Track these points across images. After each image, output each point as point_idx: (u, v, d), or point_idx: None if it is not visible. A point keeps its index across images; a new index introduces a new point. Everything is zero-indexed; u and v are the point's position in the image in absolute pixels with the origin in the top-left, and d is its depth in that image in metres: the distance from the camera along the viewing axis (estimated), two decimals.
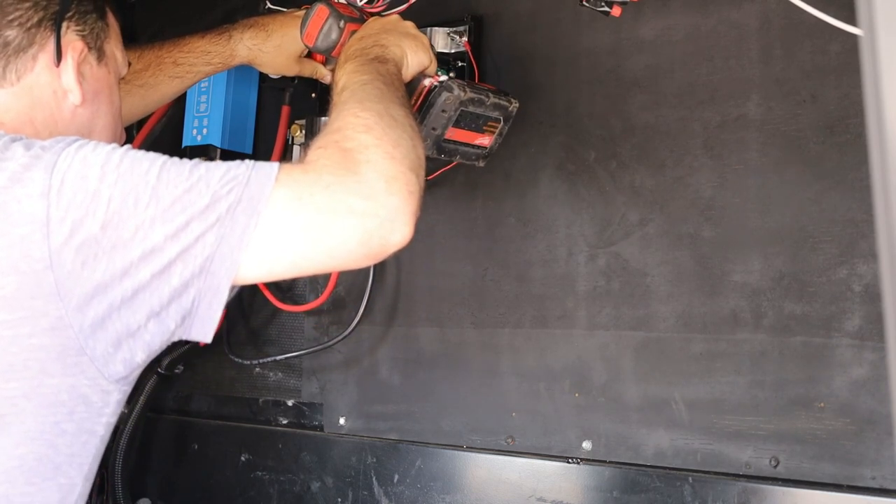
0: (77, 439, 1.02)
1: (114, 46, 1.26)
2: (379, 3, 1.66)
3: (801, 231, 1.31)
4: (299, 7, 1.70)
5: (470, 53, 1.57)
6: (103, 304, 0.97)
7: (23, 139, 1.04)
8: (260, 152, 1.86)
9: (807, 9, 1.19)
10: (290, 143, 1.77)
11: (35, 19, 1.15)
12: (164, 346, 1.04)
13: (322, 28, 1.38)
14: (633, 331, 1.43)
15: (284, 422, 1.83)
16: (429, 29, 1.61)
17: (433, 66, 1.36)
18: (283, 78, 1.75)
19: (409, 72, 1.31)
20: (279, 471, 1.80)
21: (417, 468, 1.62)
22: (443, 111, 1.32)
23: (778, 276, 1.32)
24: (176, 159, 1.01)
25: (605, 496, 1.42)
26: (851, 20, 1.09)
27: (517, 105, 1.41)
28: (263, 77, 1.80)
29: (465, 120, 1.36)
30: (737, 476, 1.32)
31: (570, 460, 1.47)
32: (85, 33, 1.20)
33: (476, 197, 1.62)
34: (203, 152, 1.83)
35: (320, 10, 1.39)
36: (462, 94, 1.33)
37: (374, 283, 1.69)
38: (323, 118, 1.70)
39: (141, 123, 1.85)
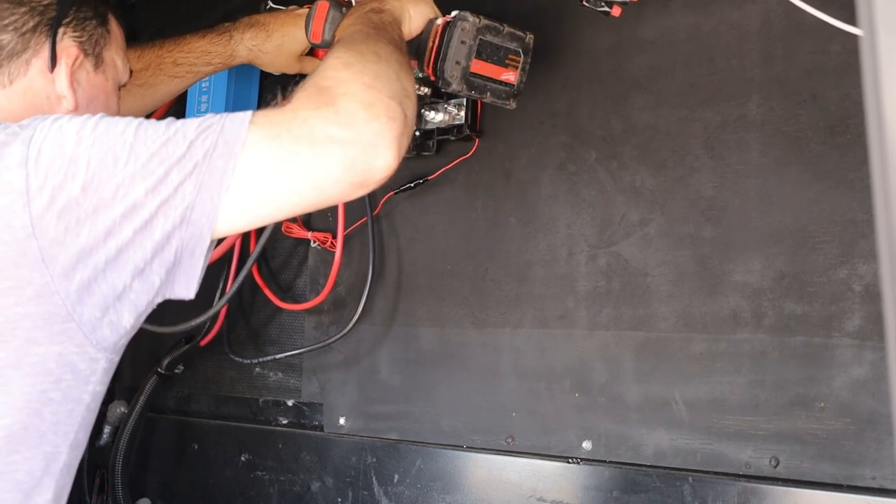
0: (63, 407, 1.03)
1: (114, 53, 1.26)
2: None
3: (801, 231, 1.31)
4: (301, 5, 1.70)
5: None
6: (88, 267, 0.97)
7: (2, 122, 1.05)
8: None
9: (807, 9, 1.19)
10: None
11: (30, 24, 1.15)
12: (150, 308, 1.04)
13: (326, 22, 1.39)
14: (633, 331, 1.43)
15: (284, 422, 1.83)
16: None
17: (438, 17, 1.38)
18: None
19: (413, 24, 1.32)
20: (279, 471, 1.80)
21: (417, 468, 1.62)
22: (462, 42, 1.34)
23: (778, 276, 1.32)
24: (152, 120, 1.02)
25: (605, 496, 1.42)
26: (851, 20, 1.09)
27: (533, 37, 1.42)
28: (266, 73, 1.80)
29: (487, 51, 1.37)
30: (737, 476, 1.32)
31: (570, 460, 1.47)
32: (83, 39, 1.20)
33: (476, 197, 1.62)
34: None
35: (320, 7, 1.40)
36: (477, 21, 1.35)
37: (375, 283, 1.69)
38: None
39: None
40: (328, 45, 1.41)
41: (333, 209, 1.74)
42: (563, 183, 1.52)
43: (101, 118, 1.01)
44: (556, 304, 1.51)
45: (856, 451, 1.24)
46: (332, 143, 0.97)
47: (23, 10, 1.15)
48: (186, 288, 1.03)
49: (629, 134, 1.47)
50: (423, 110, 1.61)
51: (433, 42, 1.35)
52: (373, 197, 1.68)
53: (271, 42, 1.61)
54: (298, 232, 1.78)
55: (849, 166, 1.28)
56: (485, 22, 1.36)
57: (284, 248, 1.86)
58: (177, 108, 1.85)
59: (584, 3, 1.43)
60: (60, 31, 1.17)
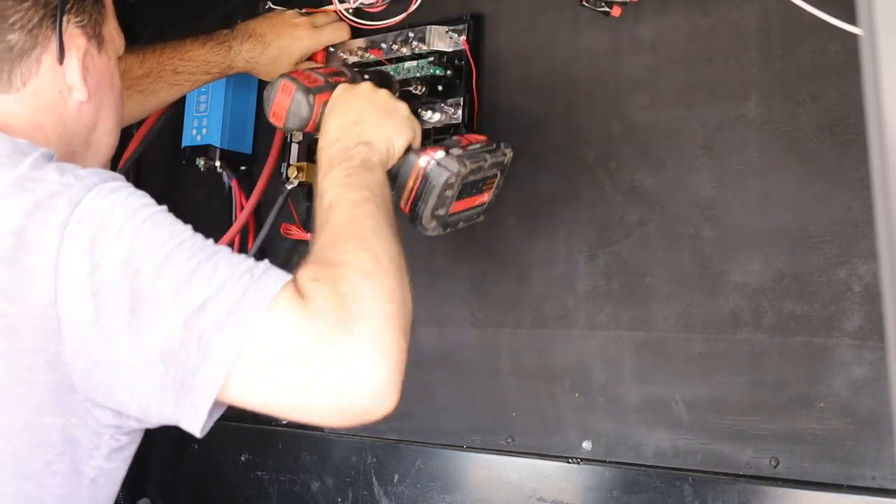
0: (67, 480, 1.00)
1: (111, 27, 1.22)
2: (378, 4, 1.67)
3: (801, 231, 1.31)
4: (300, 8, 1.71)
5: (468, 53, 1.57)
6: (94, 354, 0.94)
7: (53, 158, 1.03)
8: (259, 151, 1.86)
9: (807, 8, 1.19)
10: (288, 140, 1.77)
11: (36, 19, 1.11)
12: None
13: (290, 107, 1.27)
14: (633, 331, 1.43)
15: (284, 422, 1.83)
16: (427, 27, 1.61)
17: (418, 137, 1.30)
18: None
19: (396, 155, 1.25)
20: (279, 471, 1.80)
21: (417, 468, 1.62)
22: (446, 192, 1.24)
23: (778, 276, 1.32)
24: (196, 241, 0.97)
25: (605, 496, 1.42)
26: (851, 20, 1.09)
27: (512, 153, 1.35)
28: None
29: (467, 189, 1.28)
30: (737, 476, 1.32)
31: (570, 460, 1.47)
32: (84, 23, 1.16)
33: None
34: (203, 152, 1.83)
35: (285, 86, 1.28)
36: (463, 168, 1.24)
37: None
38: None
39: (140, 122, 1.85)
40: (288, 132, 1.30)
41: None
42: (562, 183, 1.52)
43: (154, 215, 0.97)
44: (555, 304, 1.51)
45: (856, 451, 1.24)
46: (334, 381, 0.92)
47: (27, 5, 1.10)
48: (188, 427, 0.97)
49: (628, 134, 1.46)
50: (419, 110, 1.60)
51: (413, 183, 1.24)
52: None
53: (268, 54, 1.62)
54: (297, 233, 1.78)
55: (849, 166, 1.28)
56: (470, 167, 1.25)
57: (284, 248, 1.85)
58: (176, 108, 1.85)
59: (584, 3, 1.43)
60: (64, 19, 1.12)
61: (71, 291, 0.93)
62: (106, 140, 1.22)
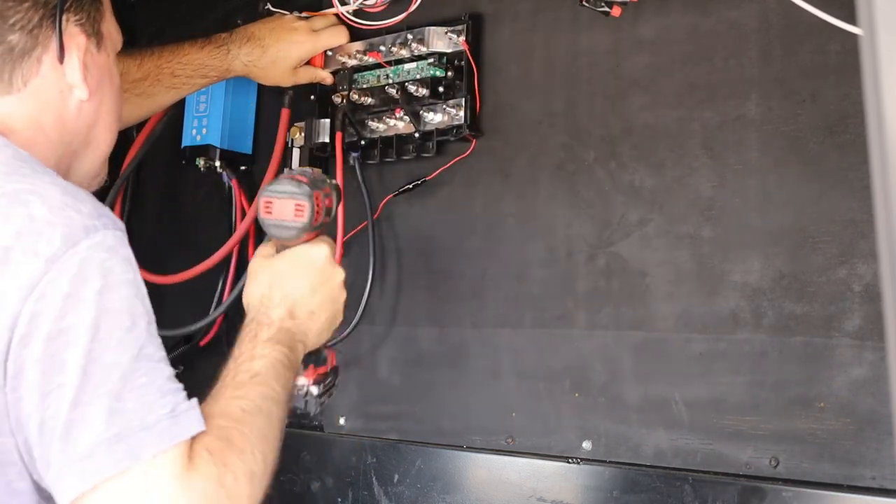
0: (30, 498, 0.99)
1: (109, 24, 1.22)
2: (378, 4, 1.67)
3: (801, 231, 1.31)
4: (300, 11, 1.71)
5: (468, 53, 1.57)
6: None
7: (53, 174, 1.02)
8: (259, 151, 1.86)
9: (807, 8, 1.19)
10: (289, 145, 1.77)
11: (36, 19, 1.10)
12: None
13: (285, 221, 1.22)
14: (633, 331, 1.43)
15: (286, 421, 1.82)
16: (426, 29, 1.61)
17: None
18: None
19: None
20: (279, 471, 1.77)
21: (417, 468, 1.62)
22: (295, 412, 1.29)
23: (778, 276, 1.32)
24: (148, 347, 0.97)
25: (605, 496, 1.42)
26: (851, 20, 1.08)
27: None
28: None
29: None
30: (737, 476, 1.32)
31: (570, 460, 1.47)
32: (83, 21, 1.15)
33: (476, 197, 1.61)
34: (203, 152, 1.83)
35: (299, 207, 1.21)
36: (314, 411, 1.34)
37: (375, 285, 1.69)
38: (322, 120, 1.70)
39: (141, 124, 1.85)
40: (262, 225, 1.24)
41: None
42: (561, 183, 1.52)
43: (132, 298, 0.97)
44: (555, 304, 1.51)
45: (856, 451, 1.24)
46: None
47: (26, 5, 1.10)
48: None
49: (628, 134, 1.46)
50: (421, 111, 1.61)
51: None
52: (372, 200, 1.68)
53: (266, 57, 1.62)
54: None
55: (849, 166, 1.28)
56: (319, 410, 1.35)
57: None
58: (176, 108, 1.85)
59: (584, 2, 1.43)
60: (64, 17, 1.12)
61: (29, 323, 0.92)
62: (105, 137, 1.22)
